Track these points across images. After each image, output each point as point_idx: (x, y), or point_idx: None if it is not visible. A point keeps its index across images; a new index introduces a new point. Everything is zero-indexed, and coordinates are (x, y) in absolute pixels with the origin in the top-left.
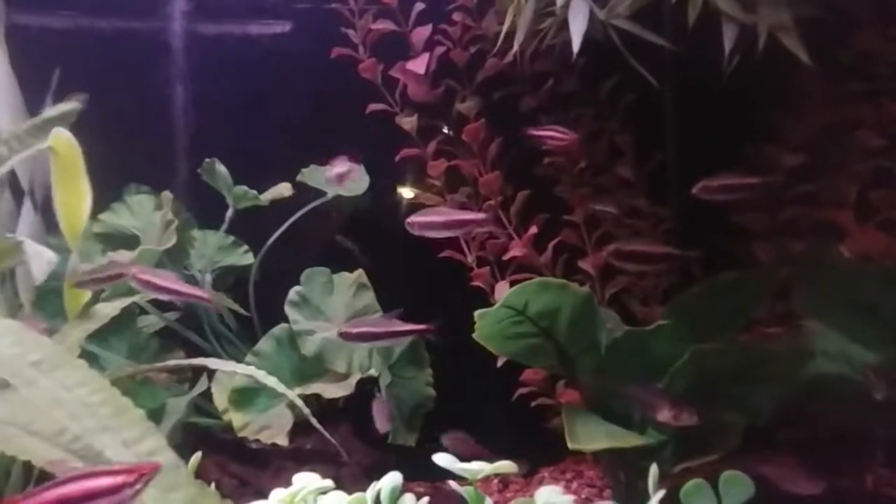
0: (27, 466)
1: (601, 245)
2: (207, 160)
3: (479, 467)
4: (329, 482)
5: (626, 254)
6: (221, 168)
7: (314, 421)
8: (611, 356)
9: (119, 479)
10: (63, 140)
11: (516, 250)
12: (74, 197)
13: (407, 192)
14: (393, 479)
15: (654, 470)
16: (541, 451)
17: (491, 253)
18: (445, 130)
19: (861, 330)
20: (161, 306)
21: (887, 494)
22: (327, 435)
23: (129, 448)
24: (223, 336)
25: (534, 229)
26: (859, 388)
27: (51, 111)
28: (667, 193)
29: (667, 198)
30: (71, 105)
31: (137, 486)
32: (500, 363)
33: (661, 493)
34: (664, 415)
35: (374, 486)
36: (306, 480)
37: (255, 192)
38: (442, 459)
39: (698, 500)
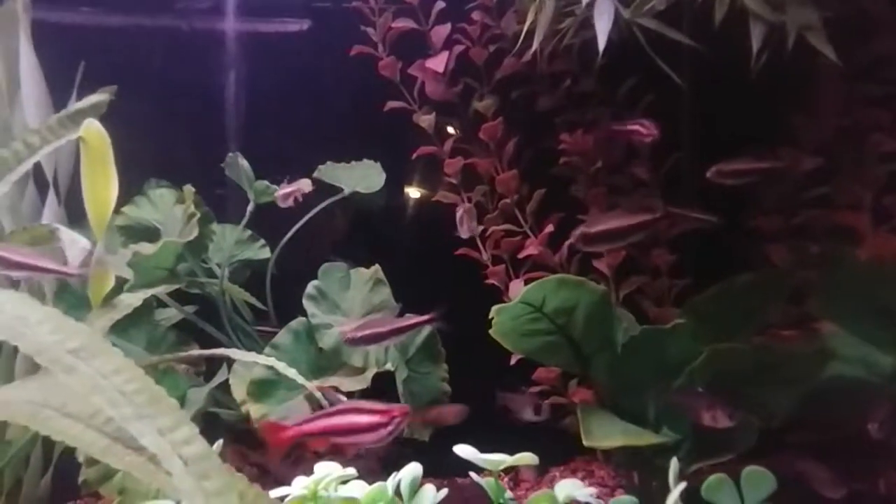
0: (46, 453)
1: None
2: (231, 154)
3: (499, 458)
4: (352, 470)
5: (594, 236)
6: (244, 162)
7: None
8: (626, 354)
9: (376, 419)
10: (94, 131)
11: (531, 249)
12: (103, 187)
13: (423, 190)
14: (413, 469)
15: (674, 463)
16: (552, 451)
17: (506, 251)
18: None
19: (879, 334)
20: (180, 299)
21: None
22: None
23: (163, 436)
24: (240, 329)
25: (550, 228)
26: (876, 392)
27: (82, 102)
28: (682, 195)
29: (682, 199)
30: (101, 96)
31: (390, 427)
32: (513, 360)
33: (682, 485)
34: (702, 416)
35: (395, 477)
36: (328, 469)
37: (276, 187)
38: (463, 451)
39: (721, 496)
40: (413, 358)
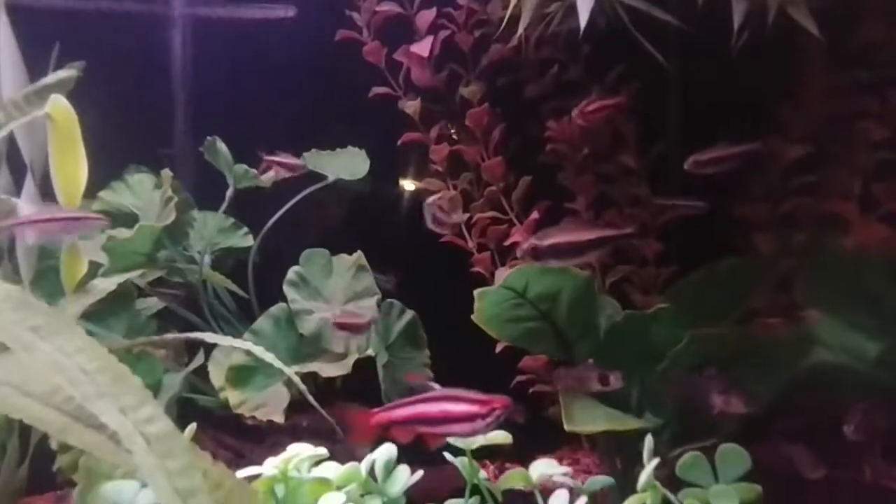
0: (23, 443)
1: None
2: (209, 138)
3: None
4: (323, 450)
5: (545, 250)
6: (223, 146)
7: (310, 397)
8: (609, 340)
9: (473, 409)
10: (61, 107)
11: (517, 236)
12: (72, 165)
13: (408, 177)
14: (388, 450)
15: (648, 440)
16: (538, 440)
17: (492, 239)
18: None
19: (863, 321)
20: (160, 286)
21: (886, 486)
22: (322, 412)
23: (125, 415)
24: (222, 317)
25: (535, 215)
26: (860, 379)
27: (48, 78)
28: (670, 182)
29: (670, 187)
30: (68, 72)
31: (489, 419)
32: (498, 349)
33: (655, 461)
34: (715, 400)
35: (369, 458)
36: (300, 448)
37: (255, 171)
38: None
39: (695, 474)
40: (394, 343)
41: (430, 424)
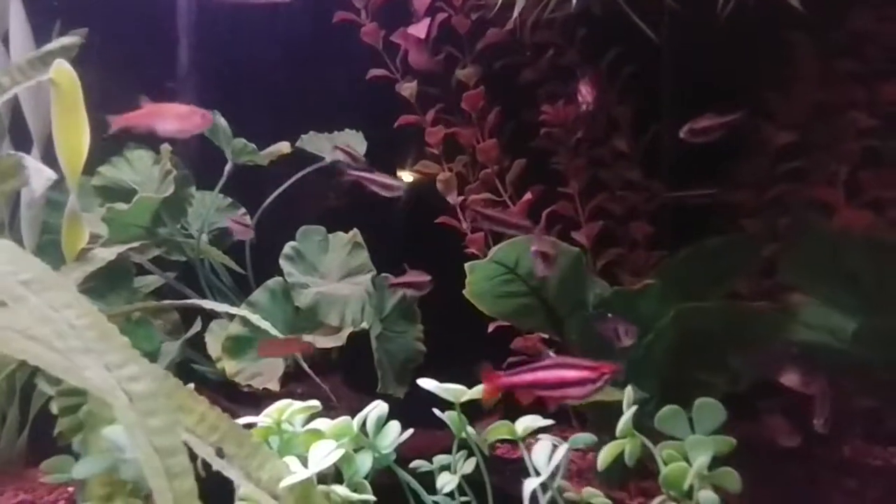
0: (23, 412)
1: (594, 217)
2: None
3: (459, 389)
4: (316, 402)
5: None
6: (221, 121)
7: (304, 365)
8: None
9: (585, 374)
10: (64, 72)
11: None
12: (74, 130)
13: (405, 159)
14: (379, 407)
15: (629, 390)
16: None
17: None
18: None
19: (842, 299)
20: (161, 267)
21: (866, 464)
22: (317, 379)
23: (111, 371)
24: (220, 292)
25: (529, 196)
26: (839, 357)
27: (52, 44)
28: (661, 167)
29: (661, 171)
30: (72, 38)
31: (599, 383)
32: (491, 328)
33: (633, 409)
34: (791, 379)
35: (361, 414)
36: (292, 402)
37: (253, 145)
38: (426, 383)
39: (673, 426)
40: (388, 317)
41: (547, 389)
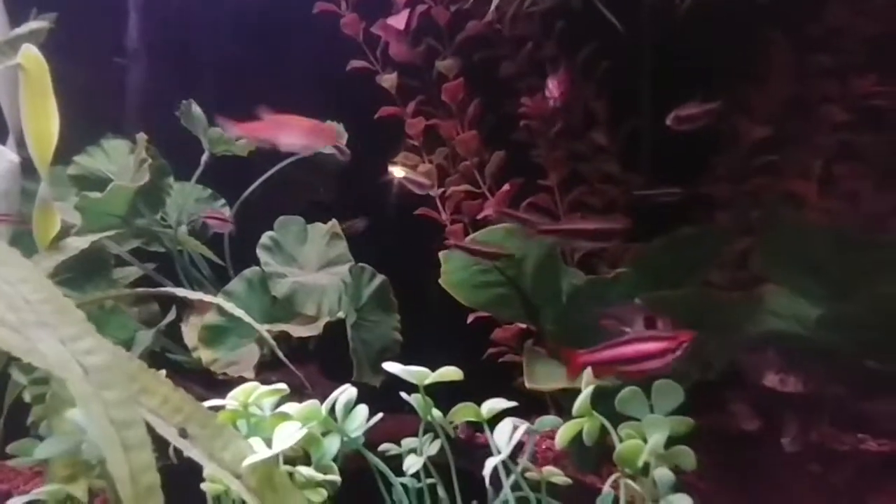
0: None
1: (573, 209)
2: (184, 102)
3: (423, 371)
4: (283, 386)
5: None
6: (197, 109)
7: (279, 353)
8: (572, 304)
9: (664, 345)
10: (32, 57)
11: (490, 210)
12: (43, 116)
13: (385, 151)
14: (349, 391)
15: (588, 371)
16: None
17: (465, 213)
18: None
19: (809, 288)
20: (139, 257)
21: (832, 449)
22: (291, 367)
23: (65, 345)
24: (198, 283)
25: (507, 187)
26: (808, 346)
27: (20, 28)
28: (639, 161)
29: (639, 165)
30: (41, 23)
31: (678, 352)
32: (470, 319)
33: (590, 388)
34: (770, 379)
35: (330, 398)
36: (258, 385)
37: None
38: (390, 366)
39: (633, 407)
40: (365, 306)
41: (628, 363)
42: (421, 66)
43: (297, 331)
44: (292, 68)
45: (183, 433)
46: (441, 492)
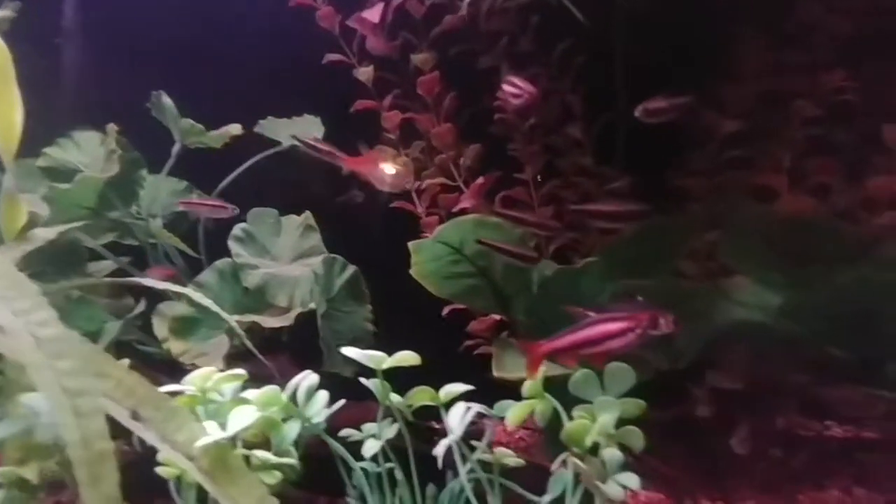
0: None
1: (548, 202)
2: (154, 93)
3: (380, 356)
4: (242, 371)
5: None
6: (168, 101)
7: (248, 343)
8: (542, 294)
9: (624, 324)
10: None
11: (465, 202)
12: (6, 105)
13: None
14: (310, 378)
15: (540, 351)
16: (480, 399)
17: (442, 206)
18: None
19: (773, 277)
20: (113, 250)
21: (795, 435)
22: (261, 357)
23: (18, 317)
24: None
25: (481, 180)
26: (773, 334)
27: None
28: (613, 155)
29: (613, 159)
30: (3, 11)
31: (639, 331)
32: (445, 311)
33: (542, 370)
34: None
35: (290, 384)
36: (214, 369)
37: (201, 126)
38: (348, 351)
39: (585, 389)
40: (336, 297)
41: (590, 345)
42: (397, 60)
43: (269, 322)
44: (267, 61)
45: (135, 416)
46: (399, 475)
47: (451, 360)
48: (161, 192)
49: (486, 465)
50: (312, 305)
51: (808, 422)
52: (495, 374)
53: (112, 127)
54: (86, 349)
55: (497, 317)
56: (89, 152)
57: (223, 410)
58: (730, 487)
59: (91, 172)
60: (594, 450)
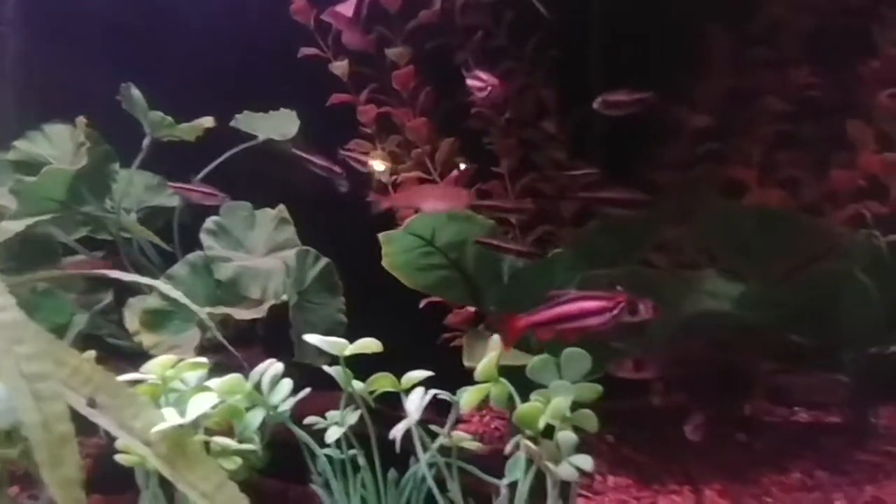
0: None
1: (523, 195)
2: (123, 85)
3: (342, 343)
4: (204, 359)
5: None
6: (137, 93)
7: (219, 335)
8: (512, 285)
9: (602, 303)
10: None
11: None
12: None
13: (338, 138)
14: (275, 366)
15: (496, 337)
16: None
17: None
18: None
19: (737, 267)
20: (87, 245)
21: (761, 420)
22: (231, 349)
23: None
24: (146, 270)
25: (455, 173)
26: (737, 322)
27: None
28: (587, 149)
29: (586, 153)
30: None
31: (615, 312)
32: (422, 304)
33: (493, 354)
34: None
35: (254, 372)
36: (174, 357)
37: (171, 119)
38: (310, 338)
39: (543, 374)
40: (309, 289)
41: (568, 321)
42: (373, 54)
43: (242, 314)
44: (244, 56)
45: (91, 403)
46: (361, 461)
47: (428, 352)
48: (135, 186)
49: (448, 451)
50: (285, 297)
51: (772, 407)
52: (466, 363)
53: (81, 120)
54: (43, 336)
55: (473, 309)
56: (60, 145)
57: (185, 398)
58: (695, 472)
59: (59, 165)
60: (552, 433)
